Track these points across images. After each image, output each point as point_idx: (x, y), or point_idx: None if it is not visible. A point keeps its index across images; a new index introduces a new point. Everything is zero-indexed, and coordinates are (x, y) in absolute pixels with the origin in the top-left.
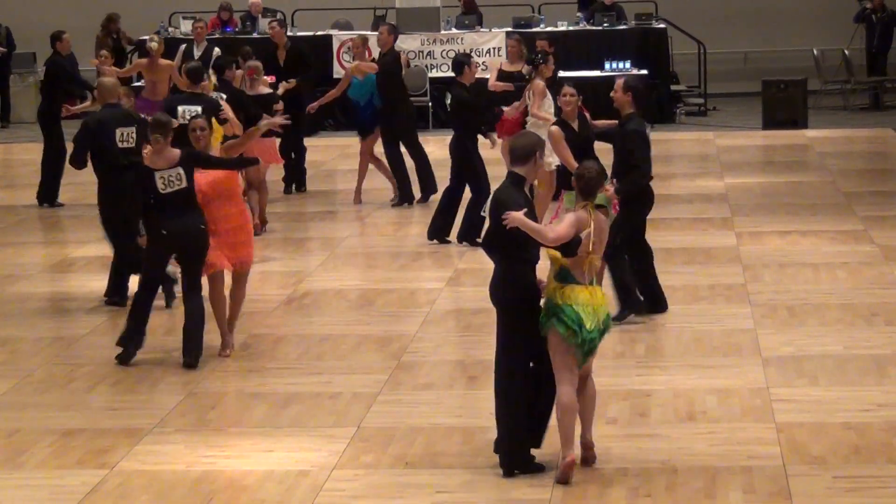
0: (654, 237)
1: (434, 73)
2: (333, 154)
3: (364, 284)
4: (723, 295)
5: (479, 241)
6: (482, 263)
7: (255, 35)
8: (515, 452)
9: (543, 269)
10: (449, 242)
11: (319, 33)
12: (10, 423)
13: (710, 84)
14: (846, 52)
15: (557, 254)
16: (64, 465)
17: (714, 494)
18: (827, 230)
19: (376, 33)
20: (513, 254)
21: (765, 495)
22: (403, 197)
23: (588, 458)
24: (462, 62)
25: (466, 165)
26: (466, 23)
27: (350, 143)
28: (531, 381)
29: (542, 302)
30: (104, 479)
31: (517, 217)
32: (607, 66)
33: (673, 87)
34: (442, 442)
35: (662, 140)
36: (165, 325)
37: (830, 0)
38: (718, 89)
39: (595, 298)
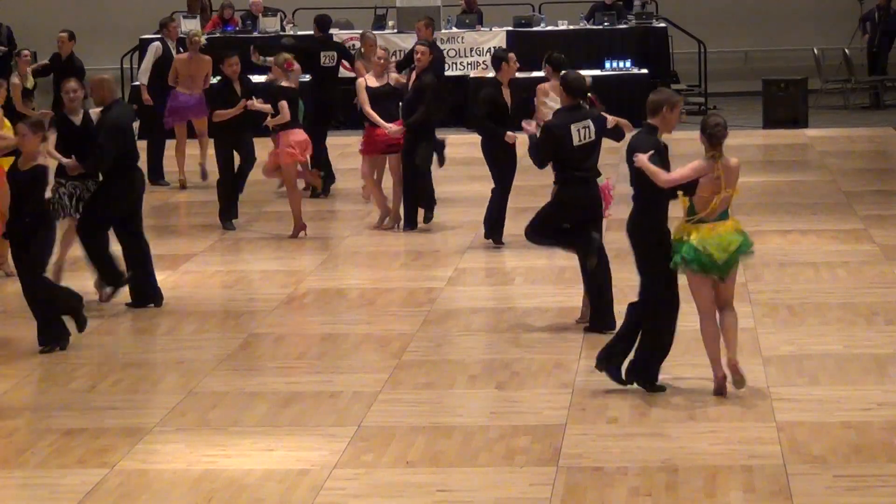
0: None
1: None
2: (333, 153)
3: (364, 284)
4: None
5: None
6: (483, 262)
7: (255, 34)
8: (649, 370)
9: None
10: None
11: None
12: (11, 422)
13: (710, 83)
14: (847, 51)
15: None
16: (64, 464)
17: (714, 493)
18: (827, 229)
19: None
20: (647, 194)
21: (765, 494)
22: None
23: (736, 380)
24: (500, 58)
25: (493, 164)
26: (467, 22)
27: (350, 142)
28: (666, 309)
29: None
30: (105, 479)
31: (641, 158)
32: (608, 65)
33: (673, 87)
34: (442, 441)
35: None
36: (164, 325)
37: (831, 0)
38: (719, 88)
39: (718, 229)
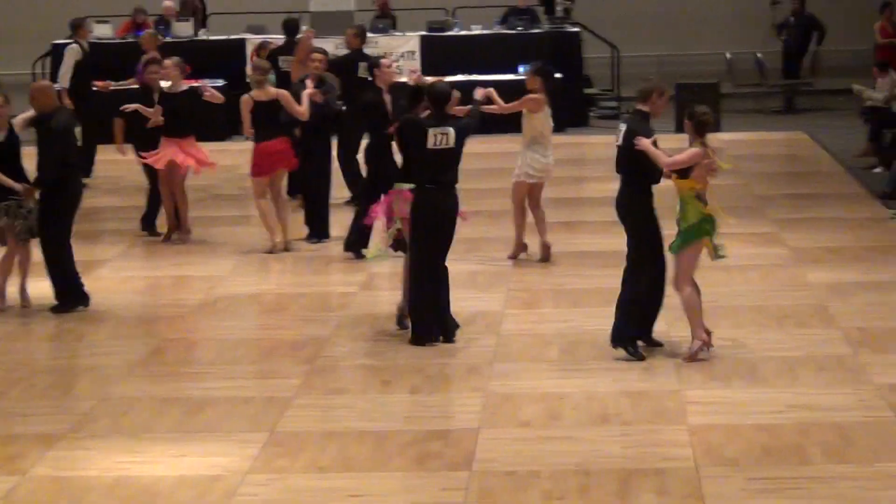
0: (568, 240)
1: None
2: (247, 158)
3: (277, 289)
4: None
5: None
6: (396, 267)
7: (168, 39)
8: (625, 334)
9: None
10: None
11: (233, 37)
12: None
13: (623, 87)
14: (759, 55)
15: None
16: None
17: (627, 497)
18: (740, 233)
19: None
20: (636, 176)
21: (678, 497)
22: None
23: (707, 342)
24: (373, 65)
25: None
26: (381, 26)
27: None
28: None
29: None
30: (16, 486)
31: (645, 143)
32: (521, 69)
33: (586, 91)
34: (355, 446)
35: (576, 143)
36: (76, 331)
37: (743, 5)
38: (632, 92)
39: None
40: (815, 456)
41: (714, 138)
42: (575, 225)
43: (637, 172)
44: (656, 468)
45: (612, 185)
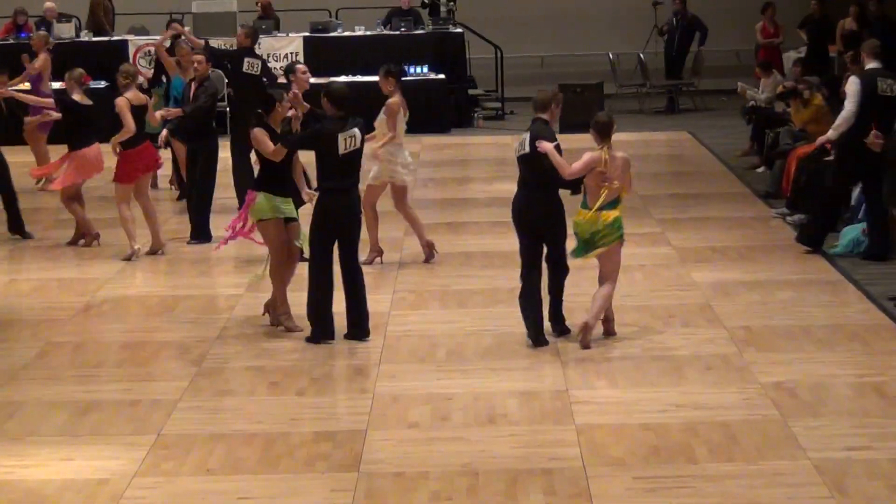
0: (452, 241)
1: None
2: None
3: (163, 291)
4: None
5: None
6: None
7: (51, 40)
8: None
9: None
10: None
11: (115, 38)
12: None
13: (507, 88)
14: (641, 55)
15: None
16: None
17: (515, 497)
18: (625, 233)
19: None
20: (540, 179)
21: (565, 497)
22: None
23: (609, 330)
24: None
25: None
26: (264, 28)
27: None
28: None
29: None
30: None
31: (548, 146)
32: (405, 70)
33: (470, 92)
34: (243, 448)
35: (460, 144)
36: None
37: (626, 6)
38: (516, 93)
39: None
40: (702, 455)
41: (617, 153)
42: (459, 226)
43: (544, 173)
44: (544, 468)
45: (497, 186)
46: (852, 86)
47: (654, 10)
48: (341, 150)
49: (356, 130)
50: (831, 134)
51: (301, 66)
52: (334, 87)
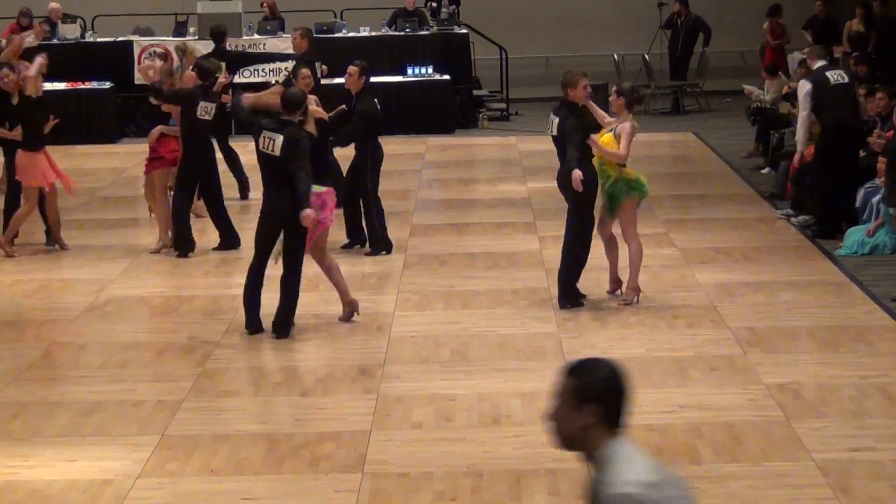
0: (457, 242)
1: (237, 80)
2: (135, 160)
3: (167, 291)
4: (526, 299)
5: None
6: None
7: (54, 41)
8: (570, 290)
9: None
10: None
11: (120, 39)
12: None
13: (512, 89)
14: (646, 56)
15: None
16: None
17: (519, 497)
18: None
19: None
20: (585, 153)
21: (570, 498)
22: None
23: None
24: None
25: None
26: (269, 28)
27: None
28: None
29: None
30: None
31: (594, 140)
32: (410, 71)
33: (475, 93)
34: (247, 448)
35: (465, 145)
36: None
37: (631, 7)
38: (521, 94)
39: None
40: (706, 455)
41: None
42: (464, 227)
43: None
44: (548, 468)
45: (502, 187)
46: (803, 90)
47: (660, 11)
48: (259, 147)
49: (279, 136)
50: (800, 147)
51: (304, 71)
52: (288, 91)
